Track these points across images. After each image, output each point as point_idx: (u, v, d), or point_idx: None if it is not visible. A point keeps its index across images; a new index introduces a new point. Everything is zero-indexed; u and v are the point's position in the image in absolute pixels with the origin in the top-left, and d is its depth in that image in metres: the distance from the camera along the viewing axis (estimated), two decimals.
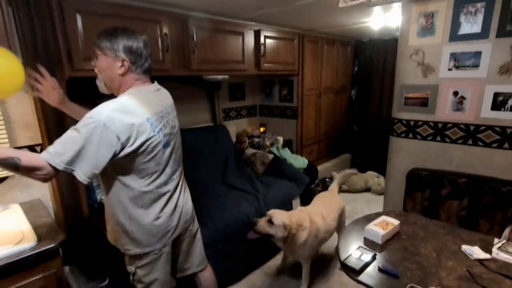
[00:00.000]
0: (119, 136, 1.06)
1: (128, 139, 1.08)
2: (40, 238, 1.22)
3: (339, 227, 2.24)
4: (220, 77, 2.47)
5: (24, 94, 1.57)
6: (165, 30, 1.93)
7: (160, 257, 1.30)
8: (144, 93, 1.20)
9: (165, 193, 1.28)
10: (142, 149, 1.13)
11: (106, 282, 1.56)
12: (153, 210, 1.24)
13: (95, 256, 1.78)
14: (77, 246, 1.74)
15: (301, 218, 1.85)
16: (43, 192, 1.71)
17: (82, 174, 1.03)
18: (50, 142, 1.59)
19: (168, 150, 1.26)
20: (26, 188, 1.65)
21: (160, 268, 1.32)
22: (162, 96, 1.32)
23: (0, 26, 1.27)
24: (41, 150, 1.64)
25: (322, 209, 2.05)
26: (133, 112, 1.11)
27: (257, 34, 2.62)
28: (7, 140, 1.51)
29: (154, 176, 1.22)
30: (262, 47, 2.64)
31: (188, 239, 1.48)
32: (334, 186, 2.46)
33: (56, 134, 1.60)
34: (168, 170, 1.28)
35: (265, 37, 2.67)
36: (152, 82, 1.30)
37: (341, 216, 2.26)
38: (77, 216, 1.74)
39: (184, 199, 1.42)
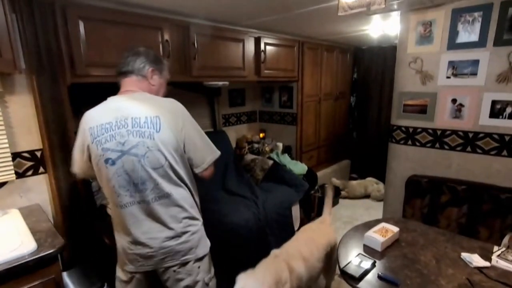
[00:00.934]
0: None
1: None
2: (39, 244, 1.22)
3: (328, 269, 1.80)
4: (220, 83, 2.48)
5: (26, 98, 1.58)
6: (167, 36, 1.95)
7: (131, 281, 1.25)
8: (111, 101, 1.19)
9: (120, 216, 1.16)
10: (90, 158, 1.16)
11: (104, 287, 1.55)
12: (115, 228, 1.24)
13: (94, 260, 1.77)
14: (76, 251, 1.73)
15: (277, 271, 1.41)
16: (42, 197, 1.70)
17: None
18: (51, 147, 1.61)
19: (113, 168, 1.10)
20: (26, 193, 1.65)
21: None
22: (133, 106, 1.13)
23: (4, 32, 1.29)
24: (41, 155, 1.66)
25: (302, 248, 1.60)
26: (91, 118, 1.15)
27: (257, 41, 2.65)
28: (7, 145, 1.51)
29: (106, 193, 1.19)
30: (262, 53, 2.67)
31: (171, 281, 1.23)
32: (325, 216, 2.00)
33: (58, 139, 1.62)
34: (120, 191, 1.12)
35: (265, 44, 2.70)
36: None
37: (331, 255, 1.75)
38: (77, 221, 1.73)
39: (143, 232, 1.16)
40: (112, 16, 1.70)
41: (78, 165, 1.23)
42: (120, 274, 1.30)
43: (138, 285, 1.26)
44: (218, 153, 1.29)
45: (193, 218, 1.25)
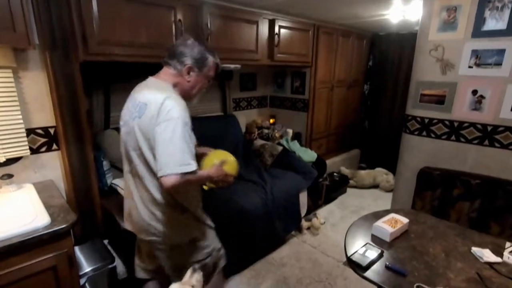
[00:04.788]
0: None
1: None
2: (53, 218, 1.25)
3: None
4: (232, 66, 2.44)
5: (39, 75, 1.59)
6: (179, 16, 1.91)
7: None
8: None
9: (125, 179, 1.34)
10: None
11: (114, 264, 1.60)
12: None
13: (105, 237, 1.82)
14: (86, 227, 1.78)
15: None
16: (55, 173, 1.74)
17: None
18: (64, 124, 1.62)
19: (122, 133, 1.28)
20: (40, 169, 1.68)
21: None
22: (146, 91, 1.23)
23: (17, 7, 1.28)
24: (55, 132, 1.68)
25: None
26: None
27: (271, 24, 2.57)
28: (21, 121, 1.53)
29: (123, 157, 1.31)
30: (276, 37, 2.60)
31: (160, 257, 1.34)
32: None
33: (70, 117, 1.63)
34: (123, 161, 1.31)
35: (280, 26, 2.62)
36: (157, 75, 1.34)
37: None
38: (88, 198, 1.77)
39: (132, 204, 1.27)
40: None
41: None
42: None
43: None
44: (188, 168, 1.09)
45: (160, 206, 1.24)
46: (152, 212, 1.24)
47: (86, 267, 1.51)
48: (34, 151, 1.64)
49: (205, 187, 1.52)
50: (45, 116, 1.65)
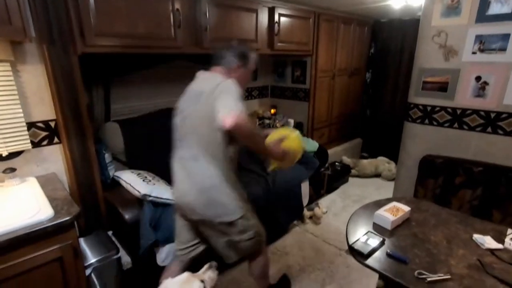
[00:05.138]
0: None
1: None
2: (56, 211, 1.26)
3: None
4: None
5: (38, 68, 1.58)
6: (177, 5, 1.88)
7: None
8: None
9: (173, 161, 1.46)
10: None
11: (118, 255, 1.62)
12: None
13: (108, 229, 1.84)
14: (90, 219, 1.80)
15: None
16: (58, 166, 1.75)
17: None
18: (64, 117, 1.62)
19: (177, 121, 1.44)
20: (42, 162, 1.69)
21: (176, 227, 1.57)
22: (201, 82, 1.44)
23: (13, 0, 1.26)
24: (55, 126, 1.68)
25: None
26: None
27: (271, 12, 2.53)
28: (22, 115, 1.53)
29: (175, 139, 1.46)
30: (276, 25, 2.56)
31: (207, 231, 1.45)
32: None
33: (70, 110, 1.63)
34: (176, 146, 1.45)
35: (280, 15, 2.58)
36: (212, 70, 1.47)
37: None
38: (91, 191, 1.78)
39: (178, 177, 1.43)
40: None
41: None
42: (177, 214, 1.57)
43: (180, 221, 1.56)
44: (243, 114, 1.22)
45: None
46: (206, 192, 1.34)
47: (91, 258, 1.53)
48: (35, 144, 1.64)
49: (269, 169, 1.70)
50: (45, 109, 1.65)
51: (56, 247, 1.24)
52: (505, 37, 1.71)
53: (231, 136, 1.30)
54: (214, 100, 1.24)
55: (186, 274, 1.11)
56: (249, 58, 1.47)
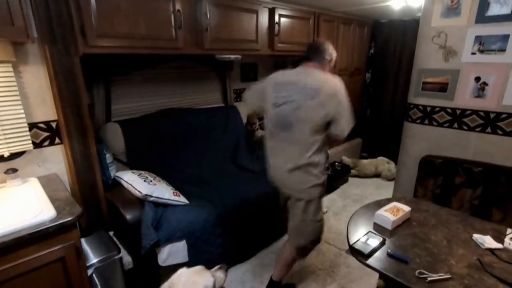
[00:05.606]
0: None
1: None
2: (58, 211, 1.27)
3: None
4: (232, 56, 2.42)
5: (39, 69, 1.58)
6: (178, 6, 1.89)
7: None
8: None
9: (268, 144, 1.70)
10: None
11: (120, 255, 1.62)
12: (266, 152, 1.73)
13: (110, 229, 1.84)
14: (92, 219, 1.80)
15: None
16: (59, 167, 1.75)
17: None
18: (66, 118, 1.62)
19: (275, 110, 1.61)
20: (43, 163, 1.70)
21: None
22: (300, 75, 1.62)
23: (15, 1, 1.26)
24: (57, 126, 1.69)
25: None
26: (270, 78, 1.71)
27: (271, 12, 2.54)
28: (23, 115, 1.53)
29: (266, 124, 1.71)
30: (276, 26, 2.56)
31: (290, 206, 1.69)
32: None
33: (72, 110, 1.63)
34: (272, 126, 1.65)
35: (280, 15, 2.58)
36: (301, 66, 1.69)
37: None
38: (92, 191, 1.79)
39: (276, 159, 1.66)
40: None
41: (251, 97, 1.84)
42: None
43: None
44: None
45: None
46: (299, 170, 1.57)
47: (93, 258, 1.53)
48: (37, 145, 1.65)
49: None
50: (46, 110, 1.66)
51: (58, 247, 1.24)
52: (505, 38, 1.72)
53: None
54: (338, 107, 1.53)
55: (200, 267, 1.20)
56: (333, 55, 1.73)
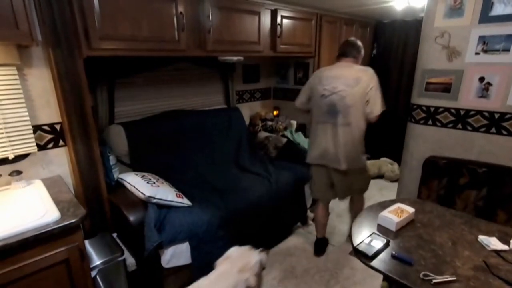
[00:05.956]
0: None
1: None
2: (62, 213, 1.27)
3: None
4: (235, 58, 2.43)
5: (43, 71, 1.60)
6: (181, 8, 1.89)
7: (316, 167, 2.18)
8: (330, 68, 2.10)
9: (315, 129, 2.11)
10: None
11: (123, 257, 1.63)
12: (313, 137, 2.15)
13: (113, 231, 1.85)
14: (95, 221, 1.81)
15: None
16: (63, 169, 1.76)
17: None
18: (70, 120, 1.63)
19: (324, 102, 1.99)
20: (48, 165, 1.71)
21: (317, 175, 2.21)
22: (340, 71, 2.01)
23: (20, 5, 1.27)
24: (61, 129, 1.70)
25: None
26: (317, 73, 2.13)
27: (273, 14, 2.54)
28: (28, 118, 1.54)
29: (313, 113, 2.11)
30: (278, 27, 2.57)
31: (337, 175, 2.11)
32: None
33: (76, 113, 1.64)
34: (320, 114, 2.04)
35: (282, 17, 2.59)
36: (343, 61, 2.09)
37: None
38: (96, 193, 1.79)
39: (328, 139, 2.03)
40: None
41: (301, 98, 2.20)
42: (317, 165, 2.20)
43: (321, 170, 2.19)
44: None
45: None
46: (352, 148, 2.00)
47: (97, 260, 1.54)
48: (41, 147, 1.66)
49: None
50: (50, 112, 1.67)
51: (62, 249, 1.25)
52: (509, 37, 1.71)
53: None
54: (371, 91, 1.95)
55: (248, 247, 1.40)
56: (363, 49, 2.11)
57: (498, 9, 1.72)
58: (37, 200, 1.38)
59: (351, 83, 1.92)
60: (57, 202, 1.36)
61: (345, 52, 2.07)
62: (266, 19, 2.50)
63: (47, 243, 1.21)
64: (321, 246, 2.37)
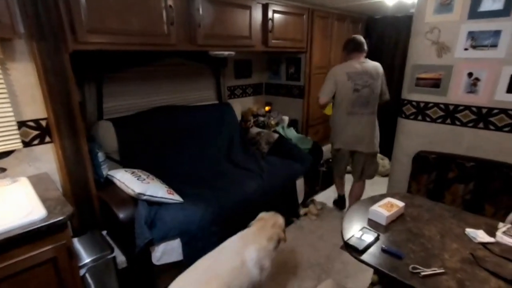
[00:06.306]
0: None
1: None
2: (49, 211, 1.24)
3: None
4: (226, 53, 2.40)
5: (28, 66, 1.55)
6: (170, 2, 1.86)
7: (342, 151, 2.56)
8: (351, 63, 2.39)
9: (342, 118, 2.42)
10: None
11: (113, 254, 1.61)
12: (338, 121, 2.48)
13: (103, 228, 1.82)
14: (84, 219, 1.78)
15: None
16: (50, 166, 1.72)
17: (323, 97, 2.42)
18: (56, 116, 1.59)
19: (353, 95, 2.32)
20: (34, 162, 1.66)
21: (341, 158, 2.62)
22: (361, 67, 2.33)
23: None
24: (47, 125, 1.65)
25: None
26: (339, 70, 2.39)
27: (265, 8, 2.52)
28: (12, 113, 1.50)
29: (342, 106, 2.39)
30: (270, 22, 2.55)
31: (357, 158, 2.54)
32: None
33: (62, 108, 1.60)
34: (348, 105, 2.36)
35: (274, 11, 2.57)
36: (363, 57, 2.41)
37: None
38: (84, 190, 1.76)
39: (355, 126, 2.39)
40: None
41: (327, 92, 2.42)
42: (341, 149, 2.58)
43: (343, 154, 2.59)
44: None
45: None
46: (375, 133, 2.45)
47: (86, 258, 1.51)
48: (26, 144, 1.61)
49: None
50: (36, 108, 1.62)
51: (50, 247, 1.22)
52: (497, 33, 1.73)
53: None
54: (382, 81, 2.39)
55: (273, 212, 1.79)
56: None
57: (487, 5, 1.74)
58: (22, 198, 1.34)
59: (375, 76, 2.31)
60: (44, 200, 1.33)
61: (359, 48, 2.36)
62: (257, 14, 2.48)
63: (34, 242, 1.18)
64: (343, 201, 2.90)
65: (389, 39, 3.78)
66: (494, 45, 1.76)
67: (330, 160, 3.57)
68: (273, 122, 3.20)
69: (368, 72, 2.30)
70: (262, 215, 1.78)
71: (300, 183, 2.69)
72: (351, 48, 2.38)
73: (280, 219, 1.77)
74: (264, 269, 1.54)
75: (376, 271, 1.23)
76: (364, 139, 2.41)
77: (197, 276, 1.38)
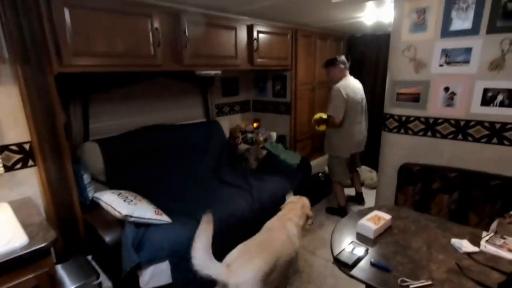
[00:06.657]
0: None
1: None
2: (31, 237, 1.20)
3: None
4: (212, 72, 2.45)
5: (11, 89, 1.53)
6: (156, 24, 1.90)
7: (345, 158, 2.91)
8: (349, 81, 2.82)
9: (351, 128, 2.79)
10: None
11: (99, 280, 1.55)
12: (348, 132, 2.80)
13: (88, 253, 1.76)
14: (69, 244, 1.72)
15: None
16: (33, 190, 1.68)
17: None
18: (40, 139, 1.57)
19: (358, 107, 2.77)
20: (16, 187, 1.62)
21: (343, 163, 2.93)
22: (355, 82, 2.86)
23: None
24: (30, 148, 1.62)
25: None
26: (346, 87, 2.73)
27: (250, 29, 2.60)
28: None
29: (351, 118, 2.76)
30: (255, 42, 2.62)
31: (354, 156, 3.05)
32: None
33: (46, 131, 1.58)
34: (355, 116, 2.78)
35: (258, 32, 2.65)
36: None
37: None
38: (69, 214, 1.71)
39: (359, 132, 2.84)
40: (99, 2, 1.64)
41: (341, 108, 2.69)
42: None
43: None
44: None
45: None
46: (365, 136, 2.97)
47: (70, 285, 1.46)
48: (8, 168, 1.57)
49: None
50: (19, 131, 1.59)
51: (31, 276, 1.18)
52: (468, 50, 1.84)
53: None
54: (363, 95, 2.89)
55: (299, 196, 2.14)
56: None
57: (457, 25, 1.85)
58: (2, 225, 1.30)
59: (362, 92, 2.86)
60: (26, 226, 1.29)
61: (347, 67, 2.86)
62: (242, 34, 2.55)
63: (14, 271, 1.14)
64: (345, 211, 3.04)
65: (370, 56, 3.93)
66: (467, 61, 1.86)
67: (328, 170, 3.61)
68: (261, 139, 3.23)
69: (360, 87, 2.86)
70: (291, 198, 2.12)
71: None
72: (346, 66, 2.84)
73: (306, 201, 2.08)
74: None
75: (367, 285, 1.23)
76: (362, 142, 2.95)
77: (255, 246, 1.67)
